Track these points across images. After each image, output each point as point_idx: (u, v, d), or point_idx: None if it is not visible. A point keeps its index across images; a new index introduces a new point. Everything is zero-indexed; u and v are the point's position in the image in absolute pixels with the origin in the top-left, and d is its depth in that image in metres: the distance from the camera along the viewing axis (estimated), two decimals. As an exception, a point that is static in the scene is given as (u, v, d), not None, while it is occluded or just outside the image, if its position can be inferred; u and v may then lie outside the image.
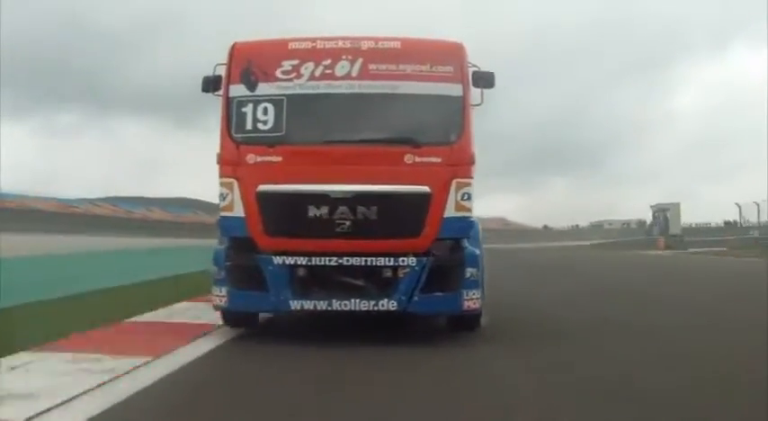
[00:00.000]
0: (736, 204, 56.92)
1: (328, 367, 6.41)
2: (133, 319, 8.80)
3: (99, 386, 5.38)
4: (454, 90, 7.55)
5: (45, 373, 5.72)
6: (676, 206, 57.01)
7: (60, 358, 6.27)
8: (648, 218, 64.79)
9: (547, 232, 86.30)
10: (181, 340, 7.34)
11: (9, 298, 8.91)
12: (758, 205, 51.50)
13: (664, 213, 56.86)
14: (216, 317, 8.03)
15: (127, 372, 5.85)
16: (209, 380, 5.97)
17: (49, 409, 4.72)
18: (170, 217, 58.57)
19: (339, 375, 6.15)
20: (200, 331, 7.93)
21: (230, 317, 7.93)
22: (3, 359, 6.12)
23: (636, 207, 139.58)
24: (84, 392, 5.18)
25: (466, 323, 7.92)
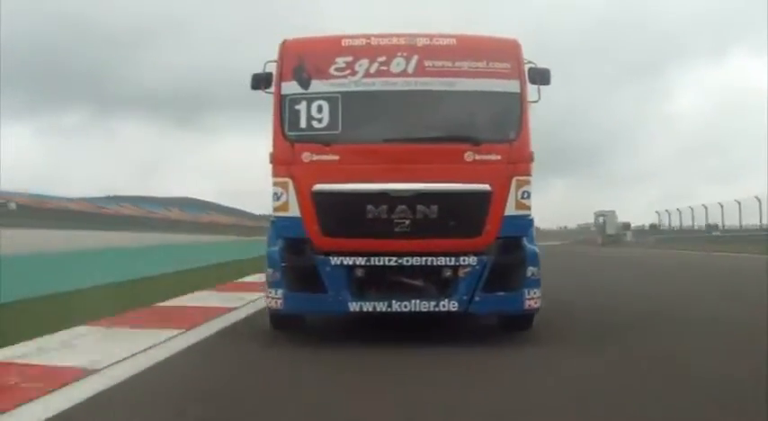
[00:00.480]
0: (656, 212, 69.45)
1: (388, 366, 6.27)
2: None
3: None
4: (512, 86, 7.42)
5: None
6: (612, 213, 71.67)
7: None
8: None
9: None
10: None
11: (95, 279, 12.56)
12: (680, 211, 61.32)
13: (603, 218, 71.48)
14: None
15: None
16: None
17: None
18: (188, 217, 66.71)
19: (401, 374, 5.99)
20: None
21: (278, 320, 7.73)
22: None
23: (633, 209, 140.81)
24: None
25: (520, 322, 7.76)
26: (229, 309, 10.05)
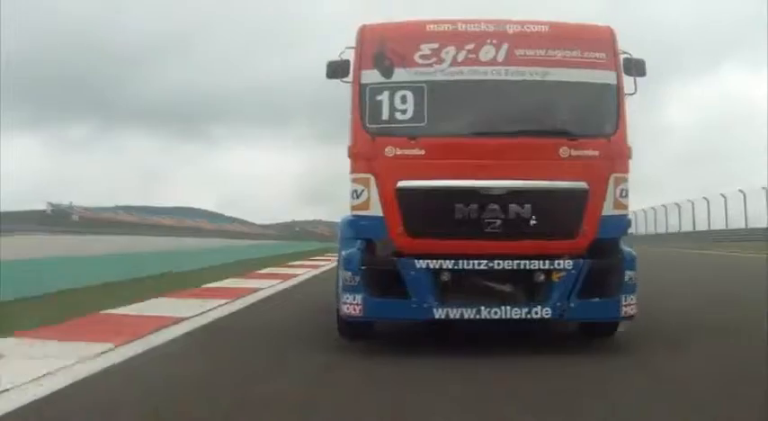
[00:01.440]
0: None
1: (468, 379, 5.78)
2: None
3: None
4: (608, 77, 6.89)
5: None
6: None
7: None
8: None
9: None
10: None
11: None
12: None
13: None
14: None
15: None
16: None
17: None
18: (215, 227, 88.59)
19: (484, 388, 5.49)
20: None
21: (349, 329, 7.20)
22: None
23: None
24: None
25: (605, 327, 7.26)
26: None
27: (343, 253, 7.05)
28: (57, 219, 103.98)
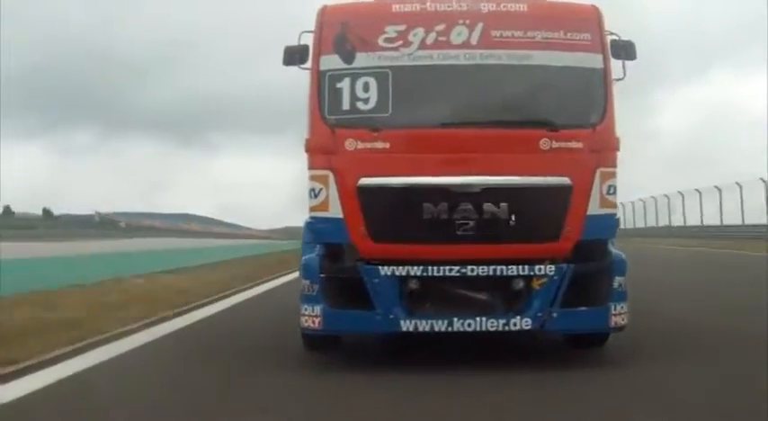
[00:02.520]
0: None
1: (455, 393, 5.09)
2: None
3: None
4: (594, 61, 6.19)
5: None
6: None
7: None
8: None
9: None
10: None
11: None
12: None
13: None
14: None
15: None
16: None
17: None
18: (228, 230, 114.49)
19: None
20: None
21: (312, 340, 6.50)
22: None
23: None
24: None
25: (594, 338, 6.54)
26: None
27: (302, 258, 6.38)
28: (105, 225, 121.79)
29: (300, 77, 6.42)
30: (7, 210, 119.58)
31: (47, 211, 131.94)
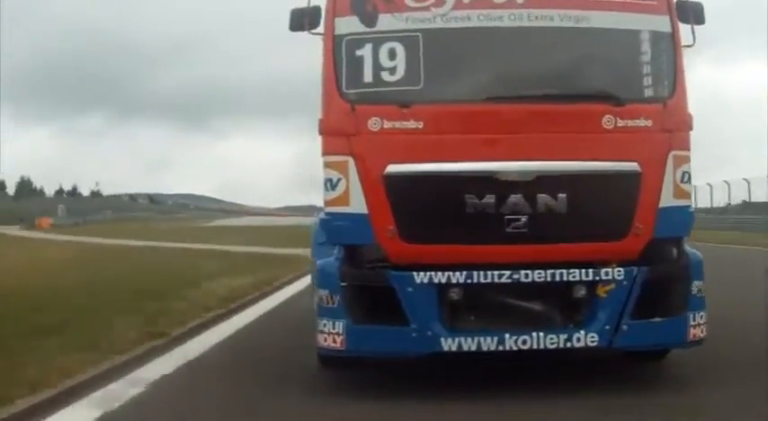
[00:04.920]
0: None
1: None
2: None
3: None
4: (661, 24, 5.19)
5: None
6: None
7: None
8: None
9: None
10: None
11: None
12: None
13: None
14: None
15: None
16: None
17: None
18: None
19: None
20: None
21: (332, 360, 5.40)
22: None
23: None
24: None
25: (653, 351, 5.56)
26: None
27: (317, 263, 5.26)
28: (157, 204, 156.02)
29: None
30: (96, 193, 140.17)
31: (150, 196, 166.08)
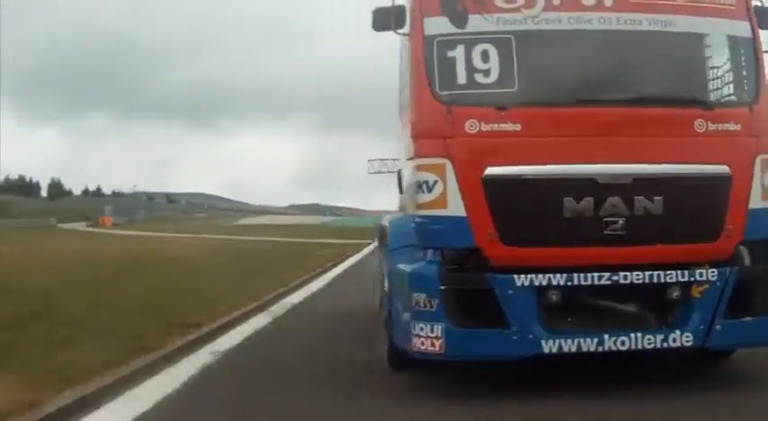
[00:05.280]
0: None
1: None
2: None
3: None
4: (742, 29, 5.27)
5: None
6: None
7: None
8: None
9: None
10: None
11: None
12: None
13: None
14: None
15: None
16: None
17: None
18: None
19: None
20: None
21: (404, 358, 5.40)
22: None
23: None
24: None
25: None
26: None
27: (403, 267, 5.19)
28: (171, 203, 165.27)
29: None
30: (117, 193, 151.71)
31: (167, 196, 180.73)
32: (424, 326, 4.87)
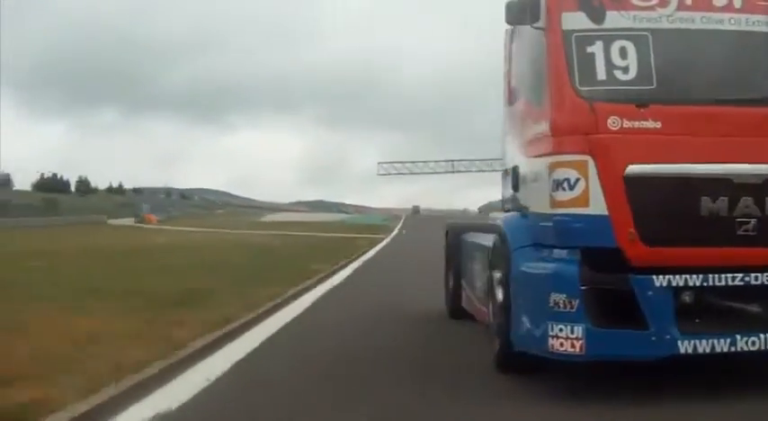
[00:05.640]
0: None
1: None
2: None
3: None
4: None
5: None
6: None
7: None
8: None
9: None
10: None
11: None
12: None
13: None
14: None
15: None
16: None
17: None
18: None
19: None
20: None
21: (515, 361, 5.45)
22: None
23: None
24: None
25: None
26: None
27: (536, 267, 5.19)
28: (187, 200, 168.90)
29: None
30: (138, 190, 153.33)
31: (182, 193, 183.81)
32: (563, 327, 4.85)
